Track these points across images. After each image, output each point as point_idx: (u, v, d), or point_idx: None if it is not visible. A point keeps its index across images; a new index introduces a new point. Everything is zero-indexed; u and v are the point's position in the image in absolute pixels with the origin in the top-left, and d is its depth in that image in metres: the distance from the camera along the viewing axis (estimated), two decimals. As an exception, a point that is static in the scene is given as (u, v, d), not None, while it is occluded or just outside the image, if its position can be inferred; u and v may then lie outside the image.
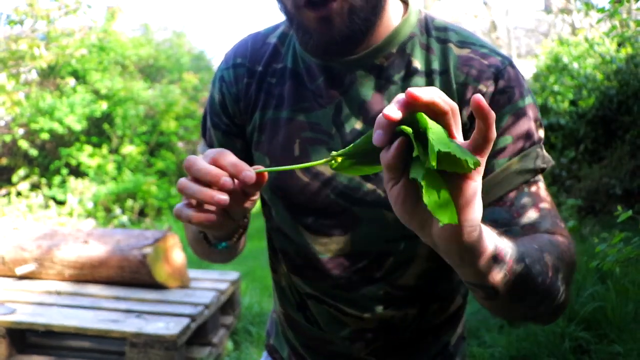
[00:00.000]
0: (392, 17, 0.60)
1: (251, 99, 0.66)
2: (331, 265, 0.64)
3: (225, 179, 0.45)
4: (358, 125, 0.60)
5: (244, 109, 0.67)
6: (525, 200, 0.56)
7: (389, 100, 0.59)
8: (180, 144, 6.97)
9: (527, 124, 0.57)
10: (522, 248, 0.47)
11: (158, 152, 6.59)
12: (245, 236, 0.66)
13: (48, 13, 3.66)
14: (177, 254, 2.29)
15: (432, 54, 0.59)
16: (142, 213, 5.66)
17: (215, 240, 0.61)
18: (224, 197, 0.45)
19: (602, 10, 1.79)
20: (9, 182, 5.95)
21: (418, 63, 0.59)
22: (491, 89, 0.56)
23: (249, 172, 0.46)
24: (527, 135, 0.57)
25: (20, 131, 5.98)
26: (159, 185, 6.04)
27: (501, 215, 0.56)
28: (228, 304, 2.39)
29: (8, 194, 5.48)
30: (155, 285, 2.17)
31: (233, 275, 2.52)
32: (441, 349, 0.71)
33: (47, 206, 5.33)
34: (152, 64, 7.16)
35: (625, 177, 3.77)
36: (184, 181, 0.48)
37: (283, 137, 0.63)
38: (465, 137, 0.45)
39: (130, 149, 6.16)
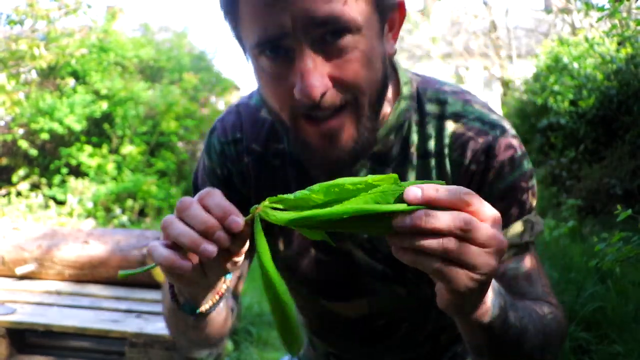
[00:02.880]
0: (387, 101, 0.58)
1: (256, 180, 0.63)
2: (355, 325, 0.66)
3: (220, 234, 0.41)
4: None
5: (252, 187, 0.64)
6: (515, 271, 0.57)
7: None
8: (180, 144, 6.97)
9: (516, 196, 0.58)
10: (511, 317, 0.49)
11: (158, 152, 6.59)
12: (232, 316, 0.60)
13: (48, 13, 3.66)
14: (177, 254, 2.29)
15: (427, 134, 0.58)
16: (142, 213, 5.66)
17: (184, 300, 0.52)
18: (211, 248, 0.41)
19: (602, 9, 1.79)
20: (9, 182, 5.95)
21: (413, 148, 0.59)
22: (482, 167, 0.57)
23: (238, 219, 0.42)
24: (516, 209, 0.58)
25: (20, 131, 5.98)
26: (159, 185, 6.04)
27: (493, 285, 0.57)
28: (228, 304, 2.39)
29: (8, 194, 5.48)
30: (155, 285, 2.17)
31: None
32: (452, 355, 0.76)
33: (47, 206, 5.33)
34: (152, 65, 7.16)
35: (626, 177, 3.77)
36: (170, 219, 0.43)
37: None
38: None
39: (130, 149, 6.16)
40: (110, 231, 2.39)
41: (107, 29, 6.63)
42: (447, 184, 0.46)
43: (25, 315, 1.89)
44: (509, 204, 0.57)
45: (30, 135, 6.05)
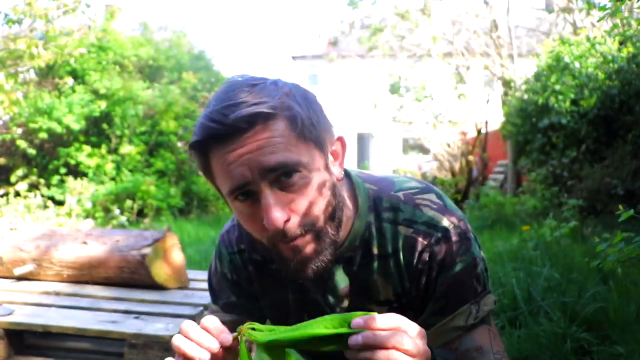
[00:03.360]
0: (348, 210, 0.70)
1: (259, 283, 0.79)
2: None
3: (211, 345, 0.56)
4: (344, 304, 0.74)
5: (257, 288, 0.79)
6: (468, 345, 0.69)
7: (359, 285, 0.72)
8: (179, 144, 6.95)
9: (460, 287, 0.69)
10: None
11: (157, 152, 6.57)
12: None
13: (46, 12, 3.64)
14: (177, 255, 2.27)
15: (385, 238, 0.71)
16: (141, 213, 5.64)
17: None
18: (205, 356, 0.55)
19: (603, 8, 1.78)
20: (7, 182, 5.93)
21: (375, 249, 0.71)
22: (426, 266, 0.69)
23: (228, 336, 0.56)
24: (460, 297, 0.69)
25: (19, 131, 5.96)
26: (158, 186, 6.02)
27: (450, 356, 0.69)
28: (228, 305, 2.38)
29: (6, 194, 5.46)
30: (155, 286, 2.15)
31: (233, 275, 2.50)
32: None
33: (45, 206, 5.31)
34: (151, 64, 7.14)
35: (627, 177, 3.76)
36: (180, 338, 0.57)
37: (294, 312, 0.77)
38: (414, 305, 0.71)
39: (129, 149, 6.14)
40: (109, 231, 2.37)
41: (106, 28, 6.61)
42: (402, 280, 0.70)
43: (23, 316, 1.87)
44: (453, 294, 0.69)
45: (29, 135, 6.03)
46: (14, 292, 2.13)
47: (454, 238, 0.69)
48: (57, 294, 2.12)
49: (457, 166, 9.12)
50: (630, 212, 1.64)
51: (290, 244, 0.63)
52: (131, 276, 2.14)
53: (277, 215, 0.60)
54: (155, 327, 1.78)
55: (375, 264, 0.71)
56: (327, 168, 0.65)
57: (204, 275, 2.53)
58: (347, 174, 0.74)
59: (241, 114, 0.58)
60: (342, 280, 0.73)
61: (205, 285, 2.30)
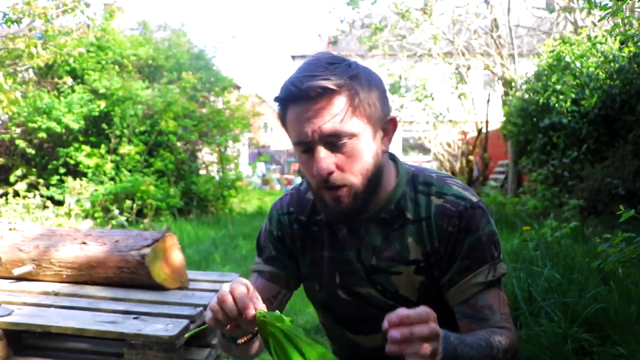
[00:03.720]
0: (389, 182, 0.86)
1: (301, 241, 0.93)
2: (371, 354, 0.89)
3: (232, 310, 0.69)
4: (373, 261, 0.86)
5: (298, 247, 0.93)
6: (482, 302, 0.82)
7: (394, 245, 0.85)
8: (179, 144, 6.93)
9: (482, 248, 0.82)
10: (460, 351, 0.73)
11: (156, 151, 6.55)
12: (258, 343, 0.85)
13: (45, 11, 3.63)
14: (176, 255, 2.26)
15: (419, 205, 0.85)
16: (140, 213, 5.63)
17: (228, 335, 0.79)
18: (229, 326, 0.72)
19: (604, 7, 1.77)
20: (6, 182, 5.92)
21: (410, 214, 0.85)
22: (455, 229, 0.82)
23: (250, 311, 0.69)
24: (481, 257, 0.82)
25: (18, 130, 5.94)
26: (158, 186, 6.01)
27: (467, 312, 0.83)
28: (227, 305, 2.37)
29: (5, 194, 5.45)
30: (154, 286, 2.14)
31: (232, 276, 2.49)
32: None
33: (44, 206, 5.29)
34: (150, 63, 7.12)
35: (628, 177, 3.75)
36: (216, 303, 0.70)
37: (327, 270, 0.90)
38: (440, 264, 0.83)
39: (128, 149, 6.13)
40: (108, 232, 2.36)
41: (105, 28, 6.59)
42: (432, 241, 0.83)
43: (22, 316, 1.86)
44: (476, 254, 0.82)
45: (28, 134, 6.02)
46: (13, 293, 2.12)
47: (478, 210, 0.84)
48: (56, 294, 2.11)
49: (457, 166, 9.12)
50: (631, 213, 1.63)
51: (331, 192, 0.79)
52: (130, 276, 2.13)
53: (323, 166, 0.76)
54: (154, 328, 1.77)
55: (409, 227, 0.84)
56: (374, 140, 0.80)
57: (203, 275, 2.52)
58: (392, 157, 0.90)
59: (313, 85, 0.74)
60: (376, 238, 0.86)
61: (204, 285, 2.30)
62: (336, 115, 0.75)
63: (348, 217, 0.82)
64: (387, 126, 0.83)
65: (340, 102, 0.75)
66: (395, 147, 15.36)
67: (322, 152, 0.77)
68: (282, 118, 0.82)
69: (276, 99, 0.81)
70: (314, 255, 0.91)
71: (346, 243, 0.88)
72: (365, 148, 0.78)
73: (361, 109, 0.77)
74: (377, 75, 0.83)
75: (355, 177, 0.79)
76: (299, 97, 0.76)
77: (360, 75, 0.78)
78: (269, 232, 0.96)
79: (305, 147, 0.78)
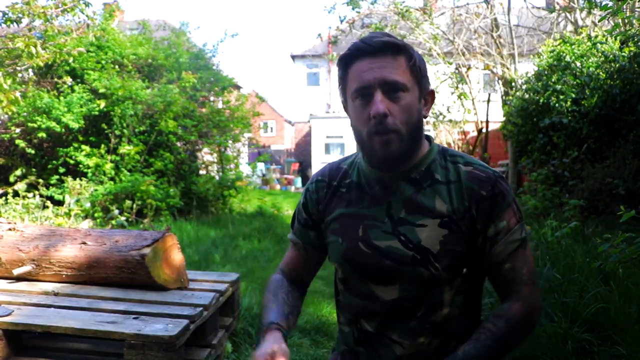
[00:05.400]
0: (423, 149, 0.97)
1: (326, 203, 1.04)
2: (388, 306, 0.96)
3: None
4: (402, 214, 0.94)
5: (322, 209, 1.04)
6: (508, 265, 0.93)
7: (422, 200, 0.93)
8: (179, 144, 6.92)
9: (513, 211, 0.93)
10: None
11: (156, 151, 6.54)
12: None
13: (45, 11, 3.63)
14: (176, 255, 2.26)
15: (448, 170, 0.95)
16: (140, 213, 5.62)
17: None
18: None
19: (605, 7, 1.76)
20: (6, 182, 5.91)
21: (439, 176, 0.95)
22: (490, 193, 0.92)
23: None
24: (514, 219, 0.93)
25: (17, 130, 5.94)
26: (157, 186, 5.99)
27: (495, 275, 0.95)
28: (227, 305, 2.37)
29: (5, 194, 5.44)
30: (154, 287, 2.14)
31: (232, 276, 2.49)
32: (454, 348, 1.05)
33: (44, 206, 5.29)
34: (150, 63, 7.11)
35: (629, 177, 3.74)
36: None
37: (352, 224, 0.98)
38: (473, 228, 0.92)
39: (128, 149, 6.11)
40: (108, 232, 2.36)
41: (105, 27, 6.58)
42: (462, 200, 0.92)
43: (22, 316, 1.86)
44: (510, 215, 0.93)
45: (28, 134, 6.01)
46: (13, 293, 2.12)
47: (502, 179, 0.95)
48: (56, 294, 2.11)
49: (457, 166, 9.09)
50: (631, 213, 1.63)
51: (383, 137, 0.89)
52: (130, 276, 2.13)
53: (380, 107, 0.88)
54: (154, 328, 1.76)
55: (437, 186, 0.94)
56: (419, 101, 0.93)
57: (204, 275, 2.51)
58: (427, 137, 1.00)
59: (382, 40, 0.89)
60: (407, 193, 0.95)
61: (205, 285, 2.30)
62: (398, 67, 0.89)
63: (394, 162, 0.93)
64: (427, 97, 0.96)
65: (401, 60, 0.90)
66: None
67: (380, 96, 0.89)
68: (343, 76, 0.95)
69: (342, 57, 0.93)
70: (340, 212, 1.01)
71: (377, 199, 0.97)
72: (414, 104, 0.91)
73: (416, 71, 0.91)
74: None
75: (403, 125, 0.90)
76: (368, 52, 0.89)
77: (414, 50, 0.93)
78: (300, 202, 1.10)
79: (365, 92, 0.90)
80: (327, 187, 1.04)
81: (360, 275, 0.99)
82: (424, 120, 0.96)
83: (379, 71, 0.88)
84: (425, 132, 1.01)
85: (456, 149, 9.39)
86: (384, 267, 0.94)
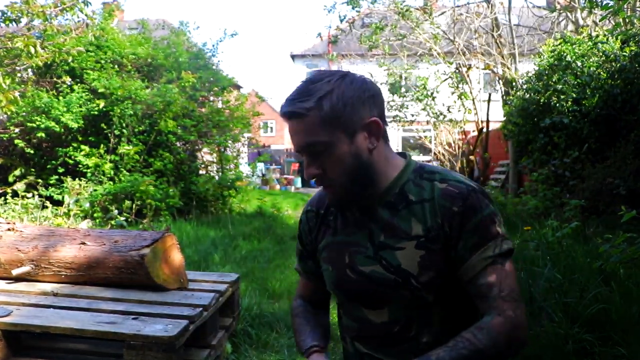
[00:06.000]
0: (392, 171, 0.98)
1: (316, 232, 1.07)
2: (380, 329, 0.98)
3: None
4: (382, 238, 0.96)
5: (314, 238, 1.08)
6: (482, 281, 0.90)
7: (398, 223, 0.94)
8: (178, 144, 6.92)
9: (486, 227, 0.90)
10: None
11: (156, 151, 6.53)
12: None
13: (44, 10, 3.62)
14: (176, 255, 2.25)
15: (423, 189, 0.95)
16: (139, 213, 5.61)
17: None
18: None
19: (606, 7, 1.75)
20: (5, 182, 5.90)
21: (412, 196, 0.95)
22: (461, 208, 0.91)
23: None
24: (487, 235, 0.90)
25: (16, 130, 5.93)
26: (157, 186, 5.98)
27: (472, 290, 0.91)
28: (227, 306, 2.36)
29: (4, 194, 5.43)
30: (154, 287, 2.13)
31: (232, 276, 2.48)
32: None
33: (43, 206, 5.28)
34: (150, 63, 7.10)
35: (630, 177, 3.74)
36: None
37: (339, 251, 1.01)
38: (447, 245, 0.91)
39: (127, 149, 6.10)
40: (107, 232, 2.35)
41: (104, 27, 6.57)
42: (435, 218, 0.91)
43: (21, 317, 1.85)
44: (482, 232, 0.90)
45: (27, 134, 6.00)
46: (12, 293, 2.11)
47: (479, 193, 0.93)
48: (55, 294, 2.10)
49: (458, 166, 9.10)
50: (632, 213, 1.62)
51: (327, 189, 0.96)
52: (130, 277, 2.12)
53: (309, 173, 0.94)
54: (154, 328, 1.76)
55: (412, 207, 0.95)
56: (353, 144, 0.92)
57: (203, 276, 2.51)
58: (404, 154, 1.03)
59: (288, 110, 0.90)
60: (384, 218, 0.96)
61: (205, 286, 2.29)
62: (307, 130, 0.90)
63: (343, 206, 1.00)
64: (369, 127, 0.93)
65: (310, 121, 0.89)
66: (396, 147, 15.36)
67: (306, 159, 0.94)
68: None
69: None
70: (328, 240, 1.04)
71: (358, 225, 1.00)
72: (344, 152, 0.91)
73: (332, 121, 0.89)
74: (363, 80, 0.93)
75: (339, 177, 0.93)
76: (284, 116, 0.93)
77: (335, 90, 0.90)
78: (297, 234, 1.14)
79: (299, 153, 0.95)
80: (316, 216, 1.08)
81: (350, 300, 1.02)
82: (372, 151, 0.93)
83: (297, 137, 0.92)
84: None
85: (457, 148, 9.41)
86: (370, 291, 0.96)
